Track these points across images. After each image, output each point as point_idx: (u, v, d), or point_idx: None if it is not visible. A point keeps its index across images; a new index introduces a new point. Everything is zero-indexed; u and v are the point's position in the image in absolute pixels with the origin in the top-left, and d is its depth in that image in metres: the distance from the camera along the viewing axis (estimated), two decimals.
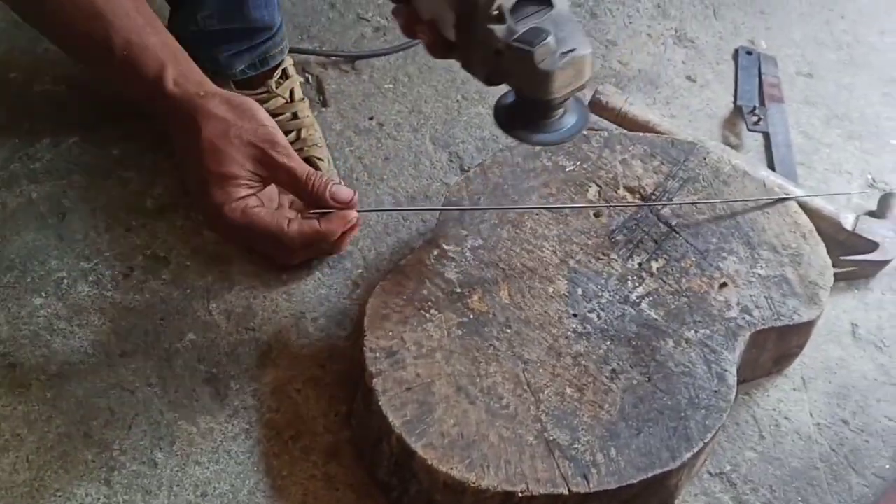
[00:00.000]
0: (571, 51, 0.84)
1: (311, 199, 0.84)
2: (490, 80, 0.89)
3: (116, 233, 1.12)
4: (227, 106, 0.81)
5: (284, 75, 1.15)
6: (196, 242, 1.12)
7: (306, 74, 1.32)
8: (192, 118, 0.79)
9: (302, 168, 0.82)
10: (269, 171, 0.81)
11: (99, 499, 0.92)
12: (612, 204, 1.06)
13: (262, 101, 1.11)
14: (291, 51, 1.19)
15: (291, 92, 1.15)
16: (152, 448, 0.95)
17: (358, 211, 0.84)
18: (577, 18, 0.86)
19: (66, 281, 1.07)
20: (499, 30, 0.84)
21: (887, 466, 1.00)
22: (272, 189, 0.89)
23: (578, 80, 0.87)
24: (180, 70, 0.80)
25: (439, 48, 0.91)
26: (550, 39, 0.83)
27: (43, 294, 1.06)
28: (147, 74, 0.79)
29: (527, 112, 0.90)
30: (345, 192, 0.84)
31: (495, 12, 0.84)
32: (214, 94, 0.81)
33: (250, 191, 0.81)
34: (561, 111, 0.91)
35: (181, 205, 1.15)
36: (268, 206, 0.86)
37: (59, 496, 0.91)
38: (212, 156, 0.79)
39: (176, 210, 1.14)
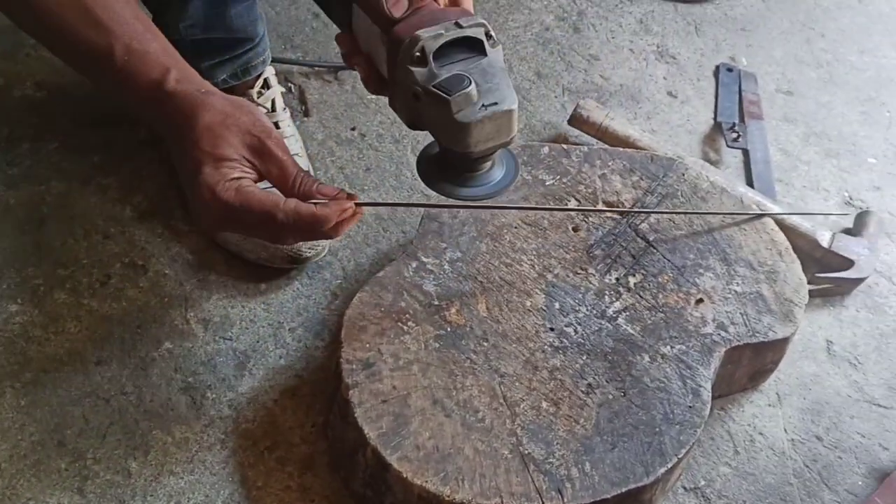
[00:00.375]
0: (494, 104, 0.79)
1: (298, 197, 0.84)
2: (412, 125, 0.85)
3: (94, 240, 1.11)
4: (226, 101, 0.82)
5: (266, 85, 1.15)
6: (175, 251, 1.11)
7: (289, 84, 1.32)
8: (191, 109, 0.80)
9: (293, 165, 0.82)
10: (262, 161, 0.81)
11: None
12: (590, 209, 1.06)
13: None
14: (274, 60, 1.19)
15: (273, 102, 1.15)
16: (126, 457, 0.95)
17: (357, 204, 0.83)
18: (507, 71, 0.83)
19: (42, 288, 1.06)
20: (419, 73, 0.80)
21: (860, 483, 1.01)
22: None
23: (500, 136, 0.82)
24: (182, 73, 0.82)
25: (373, 82, 0.89)
26: (471, 89, 0.78)
27: (19, 301, 1.05)
28: (149, 78, 0.80)
29: (450, 164, 0.85)
30: (332, 189, 0.83)
31: (417, 54, 0.80)
32: (215, 92, 0.83)
33: (242, 174, 0.81)
34: (488, 164, 0.86)
35: (160, 213, 1.15)
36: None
37: None
38: (208, 139, 0.79)
39: (155, 218, 1.14)
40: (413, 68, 0.80)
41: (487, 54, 0.81)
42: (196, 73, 0.83)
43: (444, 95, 0.78)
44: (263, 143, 0.80)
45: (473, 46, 0.81)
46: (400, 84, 0.82)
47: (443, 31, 0.79)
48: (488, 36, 0.81)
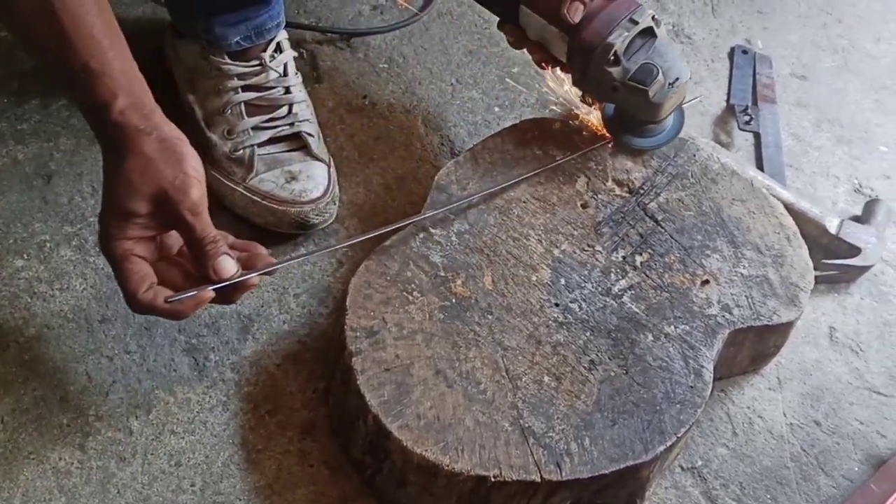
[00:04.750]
0: (676, 80, 1.00)
1: (196, 261, 0.84)
2: (601, 101, 1.06)
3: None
4: (158, 146, 0.81)
5: (279, 49, 1.14)
6: None
7: (301, 50, 1.31)
8: (123, 149, 0.81)
9: (202, 229, 0.83)
10: (171, 220, 0.83)
11: (73, 463, 0.92)
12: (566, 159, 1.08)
13: (254, 74, 1.11)
14: (287, 25, 1.18)
15: (285, 66, 1.14)
16: (128, 416, 0.95)
17: (218, 286, 0.84)
18: (672, 43, 1.03)
19: (48, 244, 1.07)
20: (615, 72, 0.99)
21: (856, 469, 1.01)
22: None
23: (680, 99, 1.04)
24: (131, 101, 0.81)
25: (547, 64, 1.06)
26: (660, 76, 0.98)
27: (25, 256, 1.05)
28: (97, 100, 0.80)
29: (633, 123, 1.06)
30: (227, 267, 0.83)
31: (611, 58, 0.98)
32: (151, 133, 0.81)
33: (144, 232, 0.82)
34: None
35: None
36: (159, 253, 0.87)
37: (33, 459, 0.91)
38: (123, 188, 0.81)
39: None
40: (609, 69, 0.99)
41: (657, 35, 1.00)
42: (150, 101, 0.83)
43: (643, 87, 0.99)
44: (174, 205, 0.81)
45: (646, 31, 0.99)
46: (597, 81, 1.01)
47: (626, 32, 0.98)
48: (654, 19, 1.00)
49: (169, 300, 0.82)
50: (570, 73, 1.06)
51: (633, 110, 1.04)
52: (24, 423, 0.94)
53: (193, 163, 0.83)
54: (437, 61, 1.33)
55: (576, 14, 0.98)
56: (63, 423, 0.94)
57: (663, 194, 1.07)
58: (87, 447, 0.93)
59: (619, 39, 0.98)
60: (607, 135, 1.09)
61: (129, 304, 0.83)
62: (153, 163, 0.81)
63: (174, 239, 0.88)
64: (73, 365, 0.98)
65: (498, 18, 1.10)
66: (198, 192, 0.82)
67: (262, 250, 0.90)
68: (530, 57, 1.10)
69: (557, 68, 1.09)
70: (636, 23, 0.98)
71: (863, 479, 1.00)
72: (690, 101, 1.14)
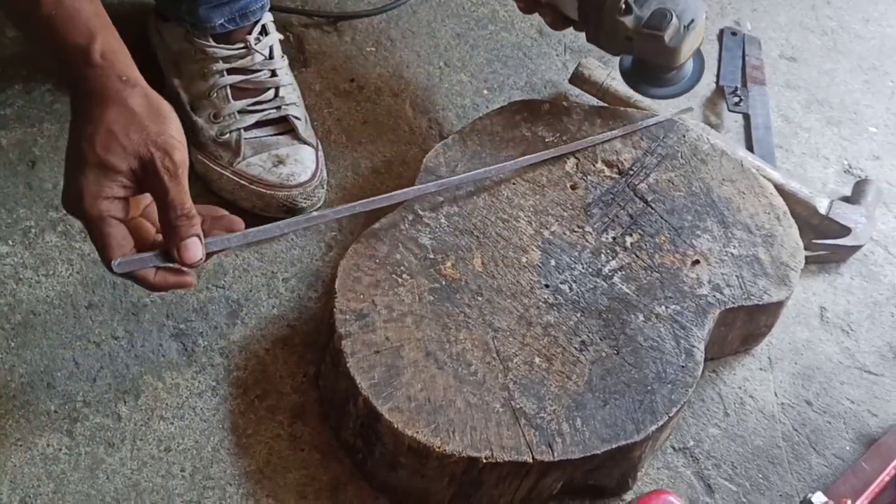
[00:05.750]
0: (691, 21, 0.97)
1: (165, 230, 0.78)
2: (617, 54, 1.05)
3: None
4: (143, 101, 0.76)
5: (264, 31, 1.13)
6: None
7: (287, 33, 1.30)
8: (104, 97, 0.75)
9: (178, 196, 0.76)
10: (148, 180, 0.76)
11: (60, 449, 0.91)
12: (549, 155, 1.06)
13: (239, 57, 1.10)
14: (273, 8, 1.17)
15: (271, 49, 1.13)
16: (116, 401, 0.95)
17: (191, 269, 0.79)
18: None
19: (33, 230, 1.05)
20: (628, 20, 0.98)
21: (848, 448, 1.01)
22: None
23: (698, 41, 1.01)
24: (109, 46, 0.76)
25: (560, 24, 1.05)
26: (675, 19, 0.96)
27: (10, 242, 1.04)
28: (74, 40, 0.75)
29: (652, 73, 1.05)
30: (193, 252, 0.77)
31: (623, 6, 0.97)
32: (136, 85, 0.77)
33: (123, 191, 0.76)
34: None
35: None
36: (133, 213, 0.81)
37: (20, 445, 0.91)
38: (104, 140, 0.75)
39: None
40: (622, 18, 0.98)
41: None
42: (125, 51, 0.78)
43: (658, 33, 0.97)
44: (154, 162, 0.75)
45: None
46: (611, 32, 1.00)
47: None
48: None
49: (120, 263, 0.76)
50: (584, 31, 1.05)
51: (652, 59, 1.02)
52: (11, 409, 0.93)
53: (178, 126, 0.78)
54: (424, 44, 1.32)
55: None
56: (51, 410, 0.93)
57: (653, 175, 1.07)
58: (76, 433, 0.92)
59: None
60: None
61: (105, 265, 0.77)
62: (137, 117, 0.76)
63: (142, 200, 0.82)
64: (60, 351, 0.97)
65: None
66: (179, 155, 0.77)
67: (240, 227, 0.84)
68: (542, 20, 1.10)
69: (570, 28, 1.09)
70: None
71: (854, 458, 1.00)
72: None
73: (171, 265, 0.79)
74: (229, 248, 0.84)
